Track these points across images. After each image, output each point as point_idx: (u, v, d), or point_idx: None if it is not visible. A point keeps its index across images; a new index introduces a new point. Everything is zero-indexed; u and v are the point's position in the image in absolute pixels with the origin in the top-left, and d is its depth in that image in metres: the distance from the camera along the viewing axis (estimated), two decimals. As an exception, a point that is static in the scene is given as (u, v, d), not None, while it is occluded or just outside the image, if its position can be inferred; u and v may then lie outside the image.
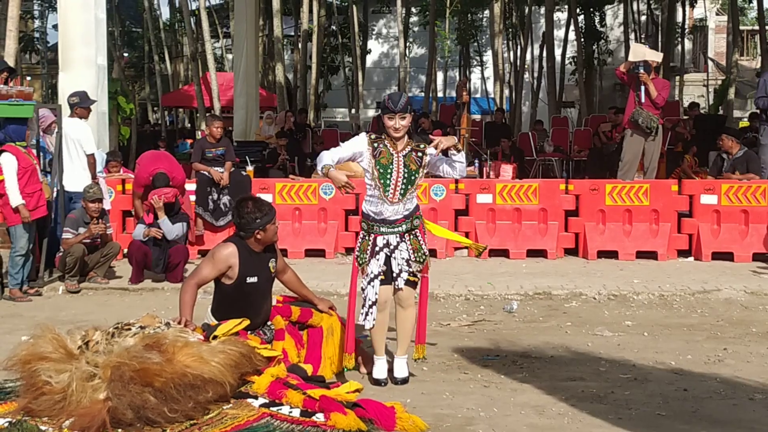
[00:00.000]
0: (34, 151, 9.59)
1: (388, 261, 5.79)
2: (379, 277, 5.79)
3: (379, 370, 5.91)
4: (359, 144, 5.83)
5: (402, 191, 5.75)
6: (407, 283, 5.81)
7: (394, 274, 5.79)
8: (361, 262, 5.84)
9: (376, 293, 5.78)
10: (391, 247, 5.78)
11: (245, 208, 5.77)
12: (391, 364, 5.97)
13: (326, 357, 6.03)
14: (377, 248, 5.79)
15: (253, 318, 5.79)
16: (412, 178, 5.77)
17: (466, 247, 11.42)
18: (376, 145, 5.80)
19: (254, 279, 5.79)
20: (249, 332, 5.70)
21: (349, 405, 4.88)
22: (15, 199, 8.94)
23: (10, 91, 9.41)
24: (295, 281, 6.22)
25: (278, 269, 6.05)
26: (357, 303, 5.93)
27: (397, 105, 5.70)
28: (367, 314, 5.81)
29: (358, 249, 5.88)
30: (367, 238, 5.84)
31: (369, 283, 5.80)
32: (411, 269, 5.79)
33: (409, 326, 5.91)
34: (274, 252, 5.98)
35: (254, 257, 5.81)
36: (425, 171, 5.88)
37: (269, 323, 5.96)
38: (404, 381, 5.88)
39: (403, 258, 5.78)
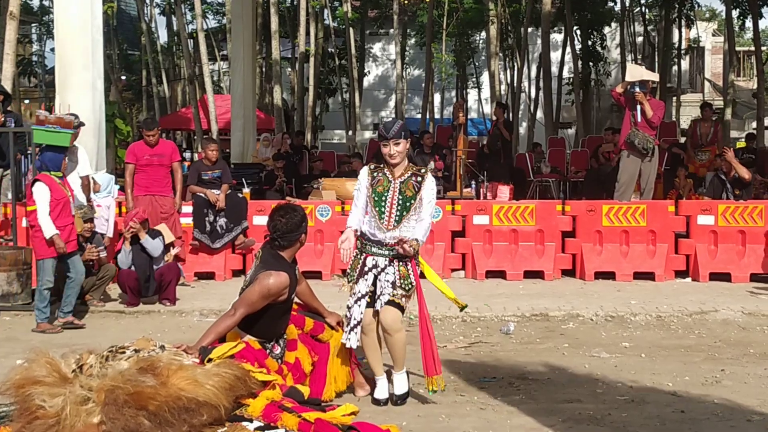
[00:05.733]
0: (71, 183, 9.25)
1: (375, 282, 5.78)
2: (366, 298, 5.79)
3: (380, 391, 5.89)
4: (363, 179, 5.87)
5: (397, 218, 5.75)
6: (391, 303, 5.72)
7: (376, 295, 5.78)
8: (350, 279, 5.87)
9: (361, 313, 5.79)
10: (379, 269, 5.77)
11: (294, 211, 5.75)
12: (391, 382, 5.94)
13: (331, 375, 6.00)
14: (366, 268, 5.80)
15: (279, 330, 5.78)
16: (407, 204, 5.75)
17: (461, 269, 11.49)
18: (375, 174, 5.84)
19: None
20: (266, 342, 5.69)
21: (345, 428, 4.86)
22: (48, 229, 8.44)
23: (49, 117, 9.06)
24: (307, 292, 6.19)
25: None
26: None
27: (389, 131, 5.73)
28: (350, 333, 5.79)
29: (349, 267, 5.91)
30: (359, 257, 5.87)
31: (356, 302, 5.80)
32: (393, 292, 5.72)
33: (400, 349, 5.82)
34: (295, 262, 5.97)
35: (292, 273, 5.76)
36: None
37: (283, 334, 5.95)
38: (403, 396, 5.86)
39: (387, 281, 5.75)
